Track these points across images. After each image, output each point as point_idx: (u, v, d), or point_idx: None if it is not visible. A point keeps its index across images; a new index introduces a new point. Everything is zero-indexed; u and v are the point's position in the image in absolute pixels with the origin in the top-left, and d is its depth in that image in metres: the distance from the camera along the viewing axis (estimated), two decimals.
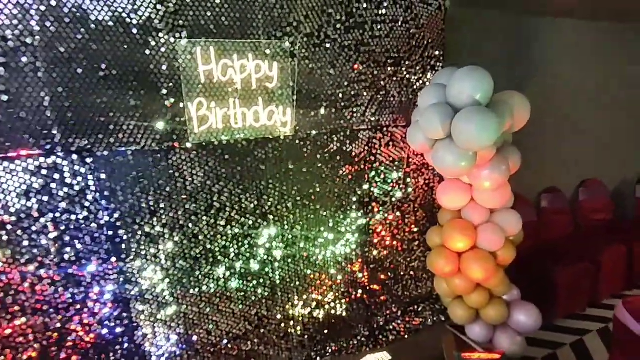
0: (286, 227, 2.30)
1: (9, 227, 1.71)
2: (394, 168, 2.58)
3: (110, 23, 1.73)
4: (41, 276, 1.78)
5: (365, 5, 2.25)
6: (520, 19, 3.70)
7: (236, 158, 2.10)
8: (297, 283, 2.41)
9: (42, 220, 1.75)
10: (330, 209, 2.43)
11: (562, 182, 4.33)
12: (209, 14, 1.91)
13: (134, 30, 1.78)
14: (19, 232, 1.72)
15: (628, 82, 4.51)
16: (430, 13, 2.46)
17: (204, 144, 2.02)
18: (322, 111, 2.27)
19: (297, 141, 2.25)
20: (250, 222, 2.20)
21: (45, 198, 1.75)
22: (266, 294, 2.31)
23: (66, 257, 1.82)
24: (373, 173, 2.51)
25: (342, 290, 2.56)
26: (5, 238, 1.71)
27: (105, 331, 1.93)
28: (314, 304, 2.48)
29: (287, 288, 2.38)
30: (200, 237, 2.09)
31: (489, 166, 2.23)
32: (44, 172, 1.73)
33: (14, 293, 1.75)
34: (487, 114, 1.82)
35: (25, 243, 1.74)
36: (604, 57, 4.27)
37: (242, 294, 2.25)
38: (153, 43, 1.83)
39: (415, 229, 2.77)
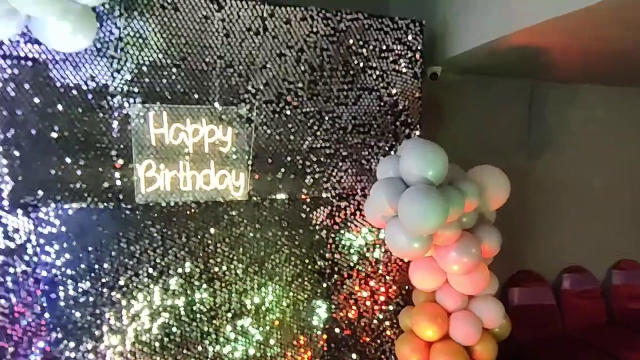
0: (234, 295, 2.19)
1: None
2: (361, 239, 2.40)
3: (62, 89, 1.84)
4: None
5: (329, 73, 2.22)
6: (534, 85, 3.49)
7: (183, 220, 2.07)
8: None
9: None
10: (286, 278, 2.28)
11: (590, 261, 3.79)
12: (164, 81, 1.98)
13: (89, 96, 1.88)
14: None
15: None
16: (405, 81, 2.37)
17: (150, 204, 2.02)
18: (280, 176, 2.20)
19: (252, 206, 2.18)
20: (195, 287, 2.12)
21: None
22: None
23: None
24: (336, 243, 2.35)
25: None
26: None
27: None
28: None
29: None
30: (140, 297, 2.04)
31: (456, 248, 2.00)
32: None
33: None
34: (432, 195, 1.64)
35: None
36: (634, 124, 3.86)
37: None
38: (106, 107, 1.91)
39: (389, 307, 2.50)
